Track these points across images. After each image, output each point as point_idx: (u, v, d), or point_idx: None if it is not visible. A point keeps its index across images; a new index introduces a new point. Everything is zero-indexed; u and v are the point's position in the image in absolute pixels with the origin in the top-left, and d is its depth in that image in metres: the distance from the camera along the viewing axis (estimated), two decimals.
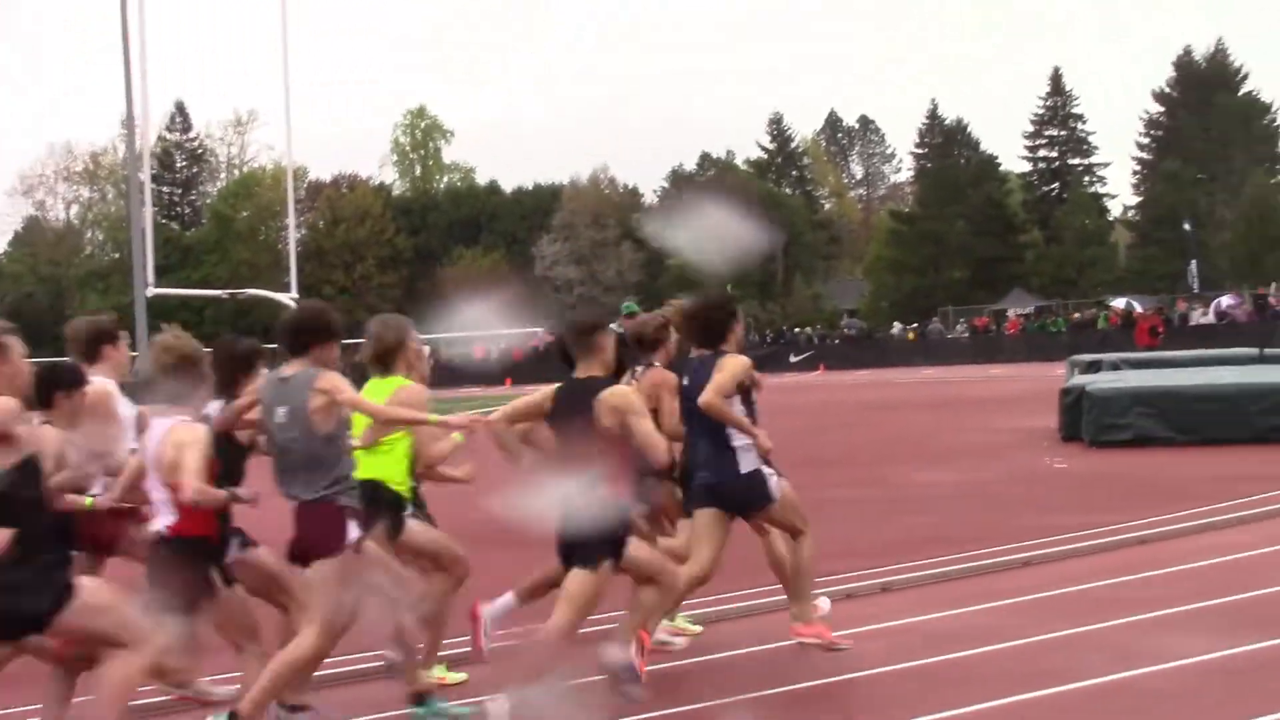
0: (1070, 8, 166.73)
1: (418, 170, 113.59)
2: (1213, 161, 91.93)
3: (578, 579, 7.24)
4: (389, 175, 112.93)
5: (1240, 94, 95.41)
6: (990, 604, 9.98)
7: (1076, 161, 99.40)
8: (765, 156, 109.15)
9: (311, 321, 7.17)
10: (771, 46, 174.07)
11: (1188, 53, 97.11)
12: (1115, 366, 28.23)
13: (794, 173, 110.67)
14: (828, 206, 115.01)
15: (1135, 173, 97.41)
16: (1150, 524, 12.90)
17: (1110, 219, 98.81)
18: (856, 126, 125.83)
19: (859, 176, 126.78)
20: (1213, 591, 9.96)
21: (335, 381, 6.96)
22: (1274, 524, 13.02)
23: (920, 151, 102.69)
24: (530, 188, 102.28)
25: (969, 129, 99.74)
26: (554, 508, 7.10)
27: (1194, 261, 70.34)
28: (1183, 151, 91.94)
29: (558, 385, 7.58)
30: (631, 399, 7.48)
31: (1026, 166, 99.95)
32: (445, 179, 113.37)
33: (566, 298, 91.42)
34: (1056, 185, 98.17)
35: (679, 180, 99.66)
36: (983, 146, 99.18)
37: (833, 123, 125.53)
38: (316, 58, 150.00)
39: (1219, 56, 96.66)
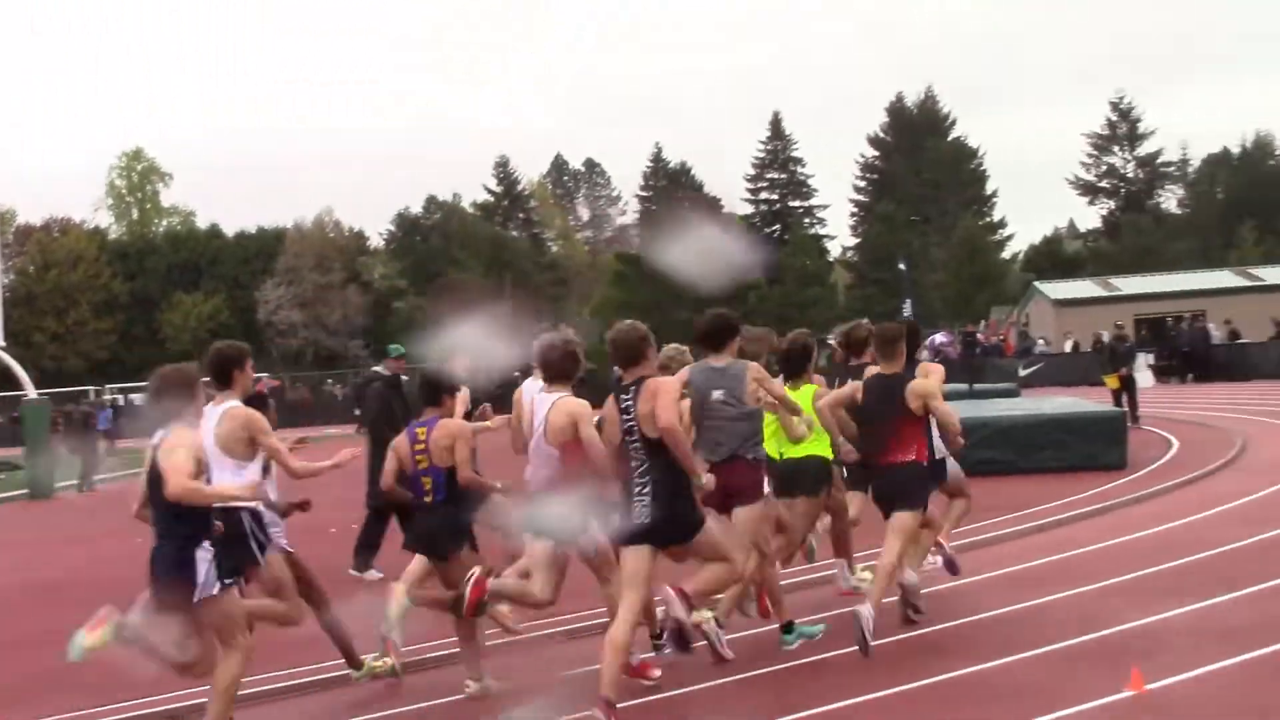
0: (788, 54, 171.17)
1: (135, 213, 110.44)
2: (925, 204, 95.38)
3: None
4: (104, 218, 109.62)
5: (950, 139, 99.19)
6: None
7: (797, 204, 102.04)
8: (492, 199, 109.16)
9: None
10: (501, 89, 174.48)
11: (899, 99, 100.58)
12: None
13: (521, 215, 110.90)
14: (555, 249, 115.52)
15: (853, 214, 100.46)
16: (868, 556, 13.15)
17: (830, 260, 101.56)
18: (583, 169, 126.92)
19: (586, 219, 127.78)
20: (924, 619, 10.21)
21: (762, 373, 9.51)
22: (982, 552, 13.43)
23: (645, 195, 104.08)
24: (253, 231, 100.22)
25: (693, 171, 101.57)
26: None
27: (909, 300, 72.57)
28: (897, 194, 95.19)
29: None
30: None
31: (749, 209, 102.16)
32: (164, 222, 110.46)
33: (291, 341, 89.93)
34: (778, 227, 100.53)
35: (405, 223, 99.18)
36: (707, 189, 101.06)
37: (559, 165, 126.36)
38: (25, 97, 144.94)
39: (929, 103, 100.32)
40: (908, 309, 67.83)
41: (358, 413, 18.25)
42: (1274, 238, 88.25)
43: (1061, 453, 20.24)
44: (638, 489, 8.32)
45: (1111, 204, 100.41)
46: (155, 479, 7.70)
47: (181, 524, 7.69)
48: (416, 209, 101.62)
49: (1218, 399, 34.85)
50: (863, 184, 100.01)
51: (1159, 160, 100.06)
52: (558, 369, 9.54)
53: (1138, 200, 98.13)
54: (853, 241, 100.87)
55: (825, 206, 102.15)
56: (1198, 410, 31.38)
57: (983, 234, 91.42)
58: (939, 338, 61.51)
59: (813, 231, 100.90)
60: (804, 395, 10.53)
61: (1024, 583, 11.61)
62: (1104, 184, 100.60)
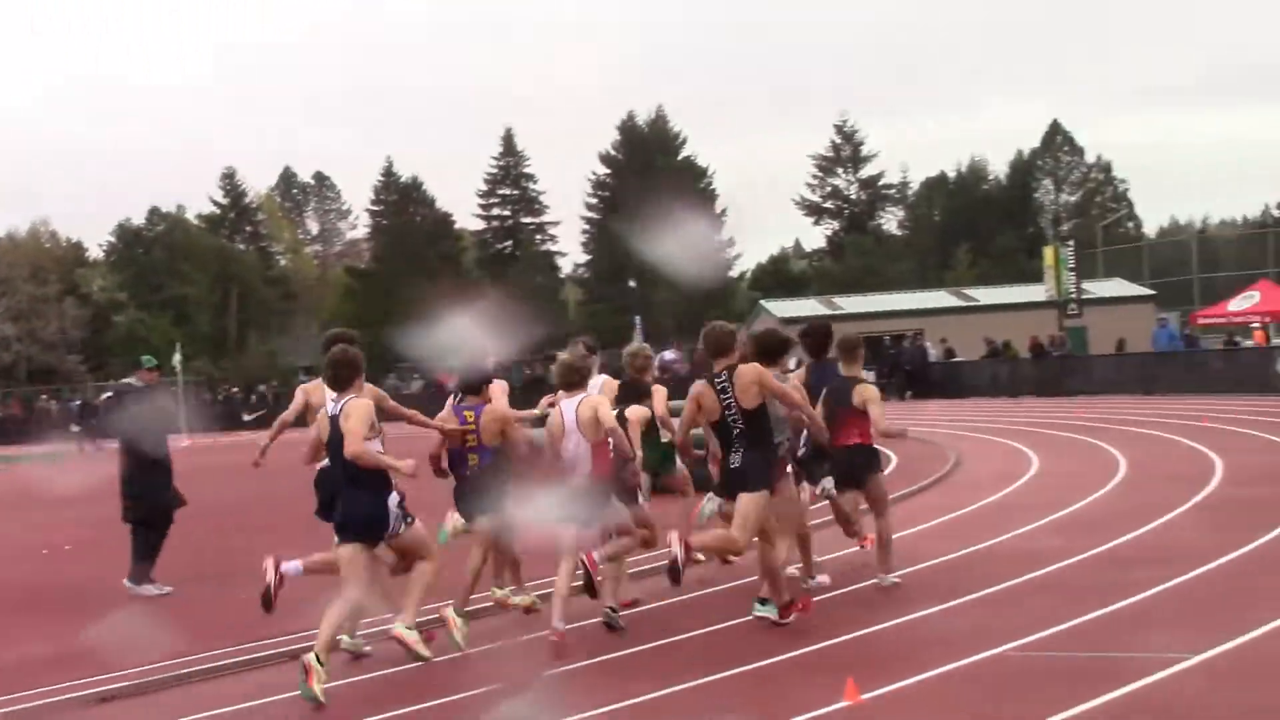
0: (518, 71, 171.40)
1: None
2: (655, 221, 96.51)
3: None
4: None
5: (679, 158, 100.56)
6: None
7: (529, 220, 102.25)
8: (218, 211, 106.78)
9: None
10: (224, 98, 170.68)
11: (631, 118, 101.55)
12: None
13: (248, 228, 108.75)
14: (283, 262, 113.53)
15: (584, 232, 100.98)
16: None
17: (561, 276, 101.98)
18: (312, 182, 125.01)
19: (315, 232, 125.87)
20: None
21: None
22: (710, 565, 13.57)
23: (376, 209, 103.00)
24: None
25: (424, 186, 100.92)
26: None
27: (638, 318, 73.35)
28: (627, 212, 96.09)
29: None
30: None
31: (481, 225, 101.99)
32: None
33: (4, 356, 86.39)
34: (510, 243, 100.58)
35: (126, 234, 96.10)
36: (439, 204, 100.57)
37: (287, 178, 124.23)
38: None
39: (659, 122, 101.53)
40: (638, 326, 68.77)
41: (76, 429, 17.63)
42: (987, 260, 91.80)
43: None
44: (733, 448, 10.40)
45: (835, 224, 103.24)
46: (338, 440, 9.54)
47: (373, 478, 9.59)
48: (138, 220, 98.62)
49: (934, 415, 35.97)
50: (594, 201, 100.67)
51: (880, 183, 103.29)
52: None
53: (860, 221, 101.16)
54: (583, 258, 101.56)
55: (556, 223, 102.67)
56: (915, 426, 32.27)
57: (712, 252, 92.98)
58: (668, 355, 62.43)
59: (544, 248, 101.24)
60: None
61: (746, 594, 11.75)
62: (828, 205, 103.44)
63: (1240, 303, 51.36)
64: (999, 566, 12.25)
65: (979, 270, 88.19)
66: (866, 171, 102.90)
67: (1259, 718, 7.26)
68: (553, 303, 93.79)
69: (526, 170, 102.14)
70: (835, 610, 10.93)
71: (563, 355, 11.35)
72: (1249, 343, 47.22)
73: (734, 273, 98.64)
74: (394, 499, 9.78)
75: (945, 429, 30.51)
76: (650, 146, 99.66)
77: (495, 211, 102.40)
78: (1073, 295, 48.81)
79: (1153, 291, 64.89)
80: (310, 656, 9.11)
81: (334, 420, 9.69)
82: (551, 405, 11.49)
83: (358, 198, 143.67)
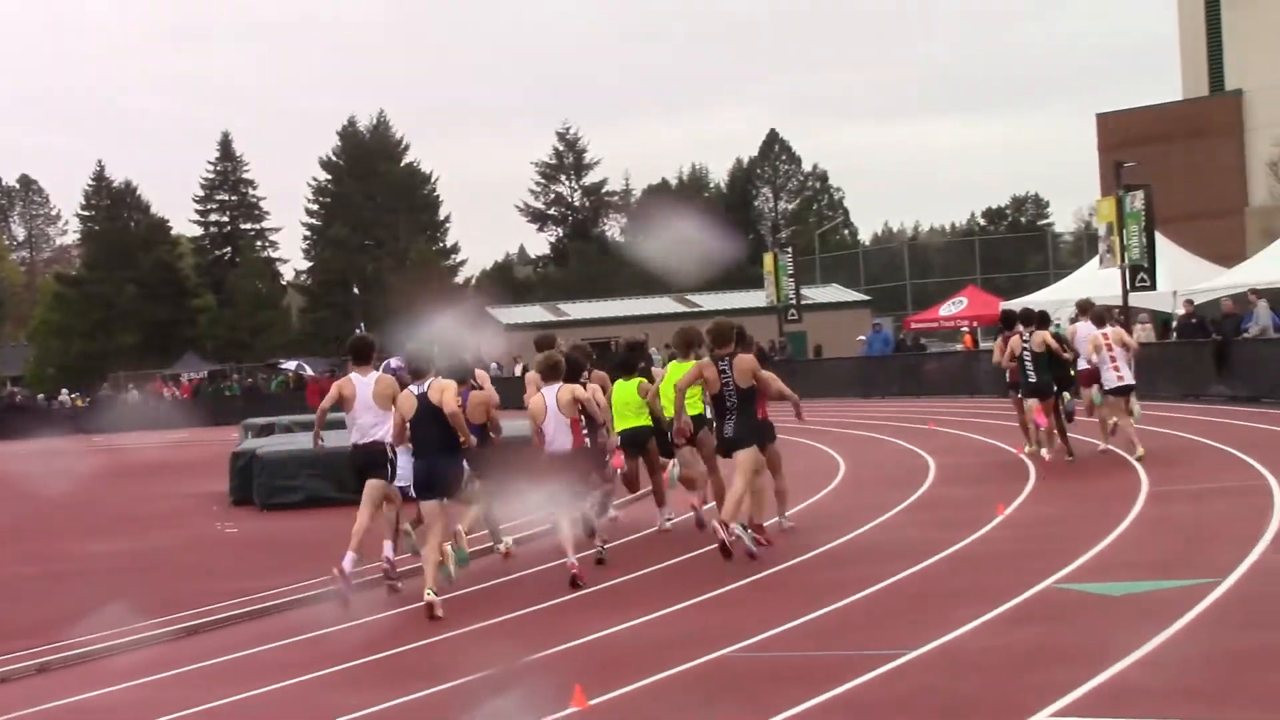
0: (238, 74, 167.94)
1: None
2: (378, 228, 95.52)
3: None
4: None
5: (403, 164, 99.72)
6: (154, 676, 9.63)
7: (248, 226, 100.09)
8: None
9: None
10: None
11: (352, 123, 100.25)
12: (289, 429, 28.37)
13: None
14: None
15: (306, 238, 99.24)
16: (319, 584, 12.93)
17: (283, 283, 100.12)
18: (18, 186, 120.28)
19: (21, 238, 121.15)
20: (366, 651, 10.11)
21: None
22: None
23: (87, 214, 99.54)
24: None
25: (139, 191, 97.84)
26: None
27: (362, 324, 72.48)
28: (350, 218, 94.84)
29: None
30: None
31: (199, 230, 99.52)
32: None
33: None
34: (229, 249, 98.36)
35: None
36: (154, 209, 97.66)
37: None
38: None
39: (381, 128, 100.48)
40: (361, 331, 67.79)
41: None
42: (708, 266, 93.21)
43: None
44: (729, 417, 13.34)
45: (560, 231, 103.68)
46: (430, 412, 11.77)
47: (452, 441, 11.80)
48: None
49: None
50: (315, 207, 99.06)
51: (604, 190, 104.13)
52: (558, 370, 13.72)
53: (584, 228, 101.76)
54: (305, 265, 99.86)
55: (277, 229, 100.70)
56: None
57: (436, 259, 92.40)
58: (393, 362, 61.99)
59: (265, 254, 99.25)
60: (632, 386, 15.08)
61: (465, 606, 11.68)
62: (552, 212, 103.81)
63: (950, 308, 53.28)
64: (721, 569, 12.40)
65: (701, 277, 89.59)
66: (589, 179, 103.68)
67: (965, 712, 7.47)
68: (275, 310, 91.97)
69: (246, 175, 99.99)
70: (563, 616, 10.92)
71: (543, 355, 14.08)
72: (958, 346, 49.03)
73: (459, 279, 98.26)
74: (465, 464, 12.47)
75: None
76: (373, 152, 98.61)
77: (214, 217, 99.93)
78: (792, 301, 49.86)
79: (868, 297, 66.82)
80: (429, 593, 11.44)
81: (422, 397, 11.89)
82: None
83: (67, 203, 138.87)
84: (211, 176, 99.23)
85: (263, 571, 14.15)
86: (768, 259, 52.47)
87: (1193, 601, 9.53)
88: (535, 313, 66.73)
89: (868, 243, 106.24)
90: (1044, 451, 19.39)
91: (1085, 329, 20.46)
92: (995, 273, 72.09)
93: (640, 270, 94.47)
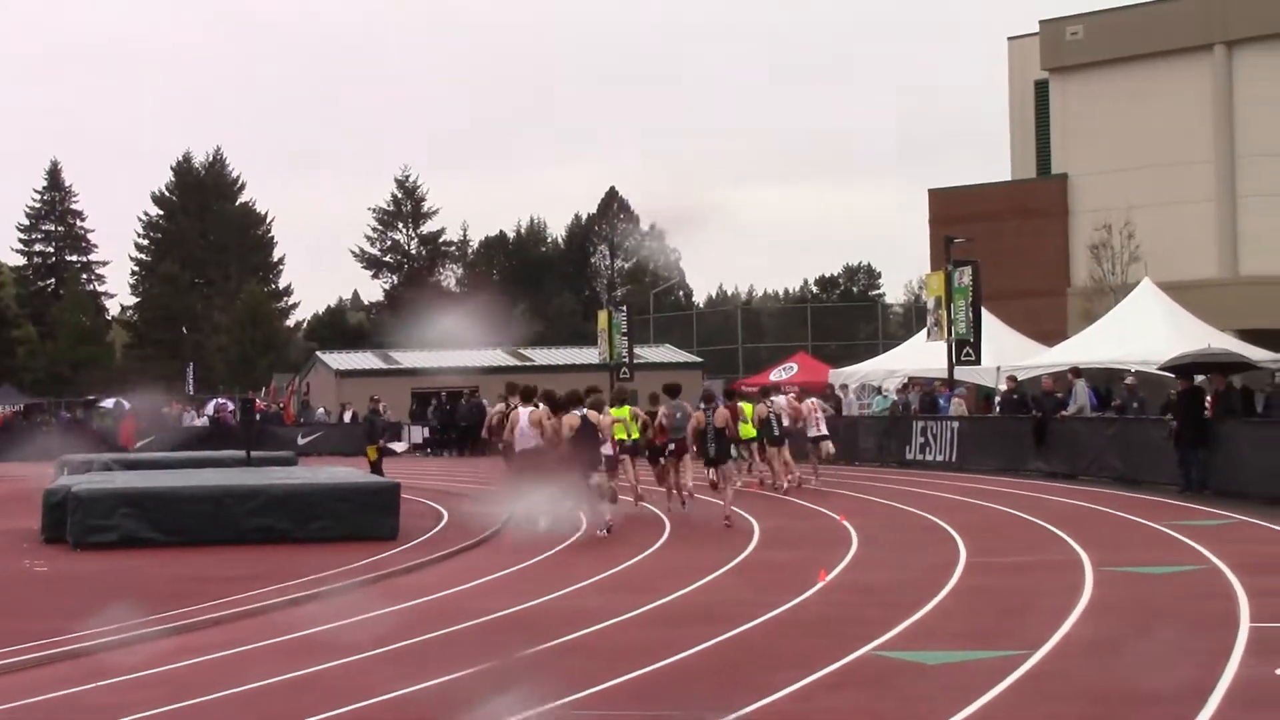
0: (69, 99, 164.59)
1: None
2: (209, 267, 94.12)
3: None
4: None
5: (238, 203, 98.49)
6: None
7: (75, 258, 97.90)
8: None
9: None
10: None
11: (187, 159, 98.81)
12: (108, 467, 27.73)
13: None
14: None
15: (134, 273, 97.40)
16: (128, 626, 12.59)
17: (108, 318, 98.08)
18: None
19: None
20: (191, 691, 9.88)
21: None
22: (252, 622, 13.22)
23: None
24: None
25: None
26: None
27: (191, 364, 71.22)
28: (181, 256, 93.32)
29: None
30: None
31: (22, 260, 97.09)
32: None
33: None
34: (53, 281, 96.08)
35: None
36: None
37: None
38: None
39: (218, 165, 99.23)
40: (190, 373, 66.71)
41: None
42: (542, 321, 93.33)
43: (337, 522, 20.31)
44: (711, 441, 22.04)
45: (395, 278, 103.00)
46: (591, 427, 20.36)
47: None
48: None
49: (487, 473, 36.12)
50: (145, 242, 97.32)
51: (441, 239, 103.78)
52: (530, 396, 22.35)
53: (420, 276, 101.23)
54: (133, 300, 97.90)
55: (105, 263, 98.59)
56: (469, 484, 32.48)
57: (267, 300, 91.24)
58: (219, 401, 60.93)
59: (91, 288, 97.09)
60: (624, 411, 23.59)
61: (295, 652, 11.47)
62: (388, 259, 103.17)
63: (780, 373, 53.79)
64: (544, 625, 12.34)
65: (535, 330, 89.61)
66: (427, 227, 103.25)
67: None
68: (98, 345, 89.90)
69: (74, 206, 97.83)
70: (384, 667, 10.75)
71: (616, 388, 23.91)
72: None
73: (290, 322, 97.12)
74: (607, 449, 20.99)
75: (497, 487, 30.66)
76: (207, 189, 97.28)
77: (38, 247, 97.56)
78: (625, 359, 50.02)
79: (700, 359, 67.26)
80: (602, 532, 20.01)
81: (584, 417, 20.27)
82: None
83: None
84: (38, 205, 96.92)
85: (71, 612, 13.72)
86: (602, 316, 52.58)
87: (1006, 671, 9.71)
88: (366, 359, 66.03)
89: (702, 305, 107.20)
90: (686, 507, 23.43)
91: (781, 401, 28.66)
92: (826, 340, 73.07)
93: (475, 321, 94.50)
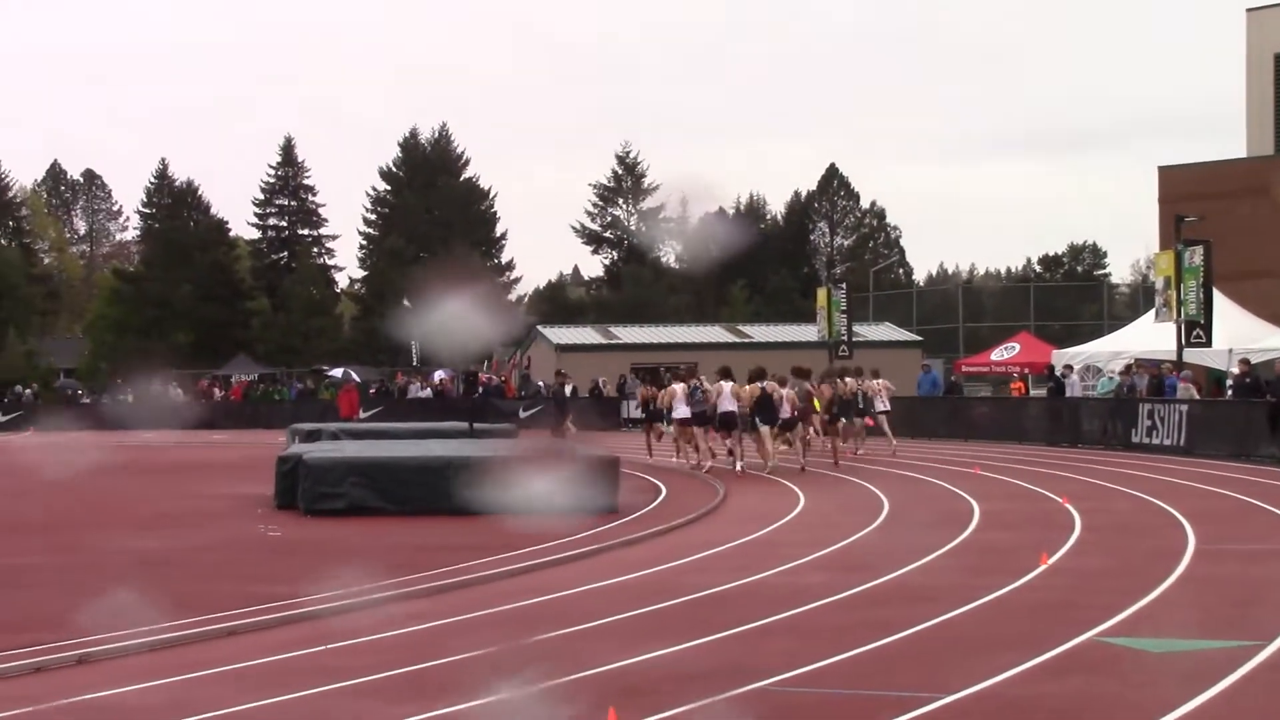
0: (301, 77, 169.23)
1: None
2: (434, 241, 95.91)
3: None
4: None
5: (462, 179, 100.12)
6: (192, 674, 9.65)
7: (306, 232, 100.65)
8: None
9: None
10: None
11: (414, 135, 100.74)
12: (335, 436, 28.50)
13: (11, 223, 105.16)
14: (47, 260, 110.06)
15: (362, 247, 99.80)
16: (353, 592, 12.94)
17: (337, 290, 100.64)
18: (81, 180, 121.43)
19: (82, 232, 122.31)
20: (409, 659, 10.11)
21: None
22: (469, 592, 13.47)
23: (148, 211, 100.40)
24: None
25: (200, 191, 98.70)
26: None
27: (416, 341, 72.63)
28: (407, 230, 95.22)
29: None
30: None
31: (256, 234, 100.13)
32: None
33: None
34: (285, 254, 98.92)
35: None
36: (214, 210, 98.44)
37: (55, 174, 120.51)
38: None
39: (443, 141, 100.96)
40: (415, 347, 68.08)
41: None
42: (761, 298, 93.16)
43: (556, 494, 20.54)
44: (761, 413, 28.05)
45: (614, 254, 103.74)
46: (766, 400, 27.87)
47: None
48: None
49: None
50: (373, 217, 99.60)
51: (661, 215, 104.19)
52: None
53: (639, 253, 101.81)
54: (360, 274, 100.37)
55: (335, 237, 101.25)
56: (680, 460, 32.62)
57: (490, 274, 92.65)
58: (440, 374, 62.14)
59: (321, 261, 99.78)
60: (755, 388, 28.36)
61: (509, 622, 11.66)
62: (608, 235, 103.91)
63: (1002, 353, 53.00)
64: (760, 602, 12.36)
65: (753, 307, 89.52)
66: (646, 203, 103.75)
67: None
68: (327, 317, 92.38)
69: (306, 181, 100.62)
70: (598, 640, 10.88)
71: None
72: (1008, 392, 48.78)
73: (512, 296, 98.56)
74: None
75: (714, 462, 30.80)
76: (433, 165, 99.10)
77: (272, 221, 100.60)
78: (843, 337, 49.73)
79: (920, 338, 66.55)
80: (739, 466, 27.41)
81: (764, 388, 27.13)
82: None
83: (129, 199, 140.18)
84: (272, 181, 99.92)
85: (302, 576, 14.16)
86: (821, 294, 52.38)
87: (1238, 662, 9.42)
88: (586, 334, 66.75)
89: (922, 283, 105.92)
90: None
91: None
92: (1049, 320, 71.69)
93: (693, 297, 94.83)
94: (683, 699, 8.73)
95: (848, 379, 32.46)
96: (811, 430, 30.53)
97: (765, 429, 28.11)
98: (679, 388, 28.95)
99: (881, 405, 34.80)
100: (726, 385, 28.39)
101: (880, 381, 35.37)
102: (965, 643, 10.64)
